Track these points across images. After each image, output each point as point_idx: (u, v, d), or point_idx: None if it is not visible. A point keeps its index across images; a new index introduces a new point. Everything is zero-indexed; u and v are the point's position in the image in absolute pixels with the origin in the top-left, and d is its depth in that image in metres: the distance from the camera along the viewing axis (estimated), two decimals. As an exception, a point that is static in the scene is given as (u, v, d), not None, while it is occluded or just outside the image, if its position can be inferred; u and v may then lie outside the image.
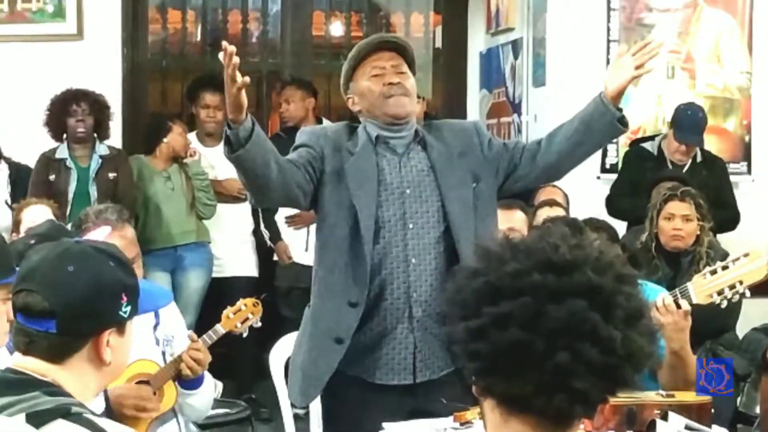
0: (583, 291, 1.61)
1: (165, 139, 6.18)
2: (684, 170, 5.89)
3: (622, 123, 3.45)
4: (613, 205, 5.91)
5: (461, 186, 3.50)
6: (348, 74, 3.54)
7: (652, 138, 6.11)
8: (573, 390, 1.60)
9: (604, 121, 3.43)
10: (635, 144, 6.14)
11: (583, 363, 1.59)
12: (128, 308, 2.17)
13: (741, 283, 3.40)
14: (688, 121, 5.90)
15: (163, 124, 6.25)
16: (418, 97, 5.68)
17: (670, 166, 5.90)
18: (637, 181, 5.86)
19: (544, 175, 3.67)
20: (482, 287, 1.65)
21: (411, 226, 3.44)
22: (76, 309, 2.10)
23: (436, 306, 3.41)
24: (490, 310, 1.62)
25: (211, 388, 3.77)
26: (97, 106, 5.89)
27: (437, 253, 3.44)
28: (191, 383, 3.64)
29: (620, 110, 3.44)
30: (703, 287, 3.44)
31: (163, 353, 3.68)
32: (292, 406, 4.34)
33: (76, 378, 2.13)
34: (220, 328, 3.76)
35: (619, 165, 6.24)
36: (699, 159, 5.97)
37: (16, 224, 4.87)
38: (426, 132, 3.56)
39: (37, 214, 4.80)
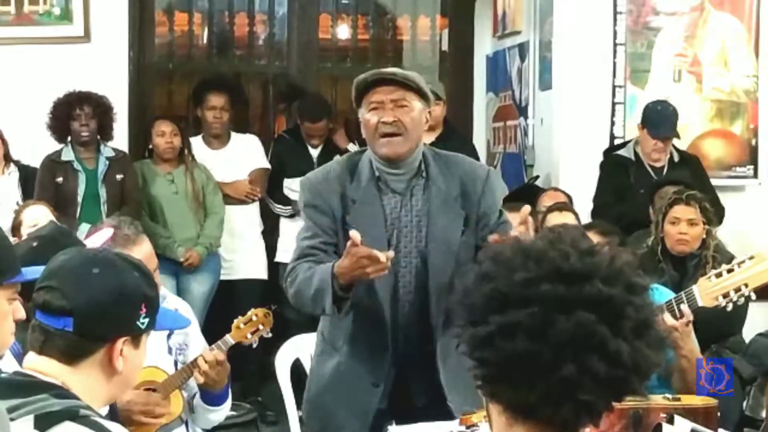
0: (592, 303, 1.59)
1: (150, 145, 6.19)
2: (664, 172, 5.85)
3: None
4: (600, 215, 5.77)
5: (449, 230, 3.43)
6: (356, 100, 3.46)
7: (623, 145, 6.04)
8: (579, 401, 1.59)
9: None
10: (609, 153, 6.07)
11: (590, 375, 1.58)
12: (146, 320, 2.18)
13: (746, 286, 3.40)
14: (660, 116, 5.85)
15: (148, 129, 6.24)
16: (438, 99, 5.68)
17: (649, 170, 5.86)
18: (621, 189, 5.83)
19: None
20: (490, 294, 1.63)
21: (404, 264, 3.44)
22: (95, 310, 2.12)
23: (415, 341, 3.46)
24: (497, 319, 1.61)
25: (230, 402, 3.77)
26: (101, 109, 5.86)
27: (416, 292, 3.45)
28: (216, 399, 3.62)
29: None
30: (708, 290, 3.44)
31: (176, 362, 3.67)
32: (297, 408, 4.35)
33: (86, 383, 2.13)
34: (230, 339, 3.71)
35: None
36: (677, 159, 5.93)
37: (17, 227, 4.87)
38: (435, 162, 3.48)
39: (36, 214, 4.82)
